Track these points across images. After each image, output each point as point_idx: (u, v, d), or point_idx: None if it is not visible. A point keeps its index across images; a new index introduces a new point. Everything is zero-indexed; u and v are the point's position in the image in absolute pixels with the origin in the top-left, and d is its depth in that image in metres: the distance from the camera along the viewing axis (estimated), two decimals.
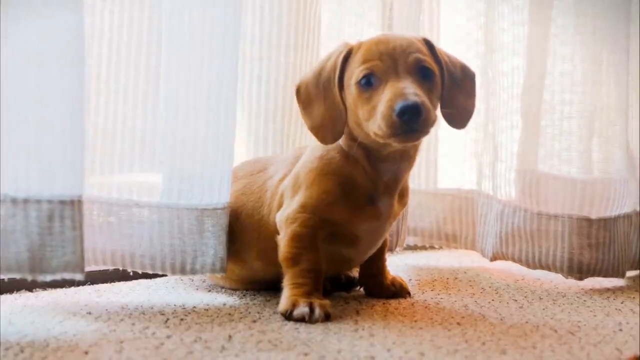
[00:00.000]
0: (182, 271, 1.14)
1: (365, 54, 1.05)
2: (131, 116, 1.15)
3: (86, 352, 0.86)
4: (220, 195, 1.14)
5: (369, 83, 1.04)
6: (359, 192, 1.10)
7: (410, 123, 0.98)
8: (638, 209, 1.48)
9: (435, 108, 1.05)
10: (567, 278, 1.40)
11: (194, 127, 1.13)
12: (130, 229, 1.13)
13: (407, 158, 1.11)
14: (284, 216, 1.10)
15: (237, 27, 1.14)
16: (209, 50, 1.12)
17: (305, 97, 1.11)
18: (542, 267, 1.40)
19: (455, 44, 1.60)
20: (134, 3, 1.15)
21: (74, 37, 0.98)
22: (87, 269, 1.24)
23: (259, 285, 1.23)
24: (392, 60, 1.03)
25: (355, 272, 1.29)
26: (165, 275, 1.28)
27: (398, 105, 0.98)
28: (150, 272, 1.15)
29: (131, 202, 1.13)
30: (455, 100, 1.10)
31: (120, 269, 1.15)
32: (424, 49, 1.08)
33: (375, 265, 1.23)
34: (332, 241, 1.11)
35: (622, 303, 1.23)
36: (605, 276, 1.39)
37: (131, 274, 1.20)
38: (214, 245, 1.14)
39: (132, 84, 1.15)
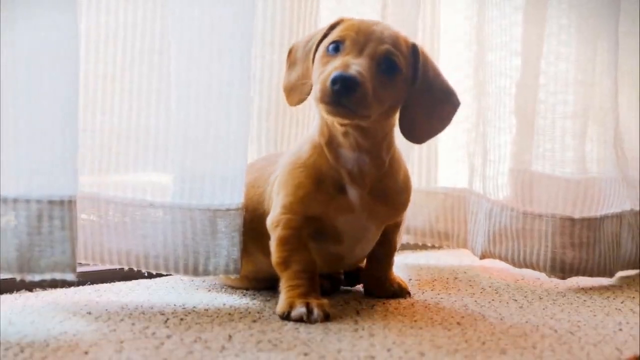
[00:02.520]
0: (195, 272, 1.14)
1: (346, 25, 1.07)
2: (145, 115, 1.15)
3: (86, 352, 0.86)
4: (233, 196, 1.14)
5: (336, 49, 1.05)
6: (327, 181, 1.09)
7: (340, 95, 0.98)
8: (636, 209, 1.49)
9: (382, 102, 1.03)
10: (550, 277, 1.40)
11: (205, 126, 1.13)
12: (145, 229, 1.13)
13: (365, 150, 1.09)
14: (270, 220, 1.11)
15: (249, 25, 1.14)
16: (220, 48, 1.12)
17: (293, 58, 1.14)
18: (527, 266, 1.41)
19: (454, 43, 1.60)
20: (147, 1, 1.15)
21: (67, 36, 0.98)
22: (89, 268, 1.25)
23: (264, 283, 1.23)
24: (364, 39, 1.04)
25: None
26: (168, 275, 1.28)
27: (334, 73, 0.98)
28: (164, 272, 1.15)
29: (145, 202, 1.13)
30: (421, 115, 1.10)
31: (135, 269, 1.15)
32: (404, 49, 1.07)
33: (378, 266, 1.22)
34: (318, 239, 1.11)
35: (622, 303, 1.24)
36: (590, 276, 1.39)
37: (145, 273, 1.19)
38: (226, 247, 1.14)
39: (145, 82, 1.16)
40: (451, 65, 1.59)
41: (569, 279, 1.41)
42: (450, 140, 1.62)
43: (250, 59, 1.15)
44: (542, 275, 1.45)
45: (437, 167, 1.62)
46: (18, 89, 0.96)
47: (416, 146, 1.55)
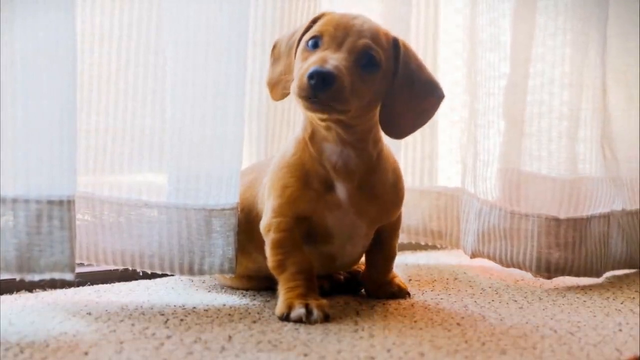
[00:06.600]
0: (191, 272, 1.15)
1: (326, 20, 1.07)
2: (140, 115, 1.15)
3: (86, 353, 0.86)
4: (228, 196, 1.14)
5: (315, 45, 1.05)
6: (313, 178, 1.09)
7: (316, 89, 0.98)
8: (627, 209, 1.49)
9: (361, 97, 1.03)
10: (535, 277, 1.41)
11: (201, 126, 1.13)
12: (140, 229, 1.14)
13: (350, 144, 1.08)
14: (263, 225, 1.11)
15: (245, 25, 1.15)
16: (216, 49, 1.12)
17: (277, 52, 1.14)
18: (513, 266, 1.41)
19: (452, 43, 1.59)
20: (143, 2, 1.15)
21: (65, 36, 0.98)
22: (89, 269, 1.25)
23: (265, 283, 1.22)
24: (343, 34, 1.04)
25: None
26: (166, 276, 1.28)
27: (311, 68, 0.98)
28: (160, 272, 1.16)
29: (141, 202, 1.14)
30: (403, 109, 1.09)
31: (130, 268, 1.16)
32: (384, 43, 1.07)
33: (377, 271, 1.22)
34: (309, 241, 1.12)
35: (622, 303, 1.23)
36: (577, 275, 1.40)
37: (141, 273, 1.20)
38: (222, 246, 1.14)
39: (140, 83, 1.16)
40: (450, 65, 1.59)
41: (569, 280, 1.41)
42: (450, 141, 1.62)
43: (246, 59, 1.15)
44: None
45: (436, 166, 1.62)
46: (17, 89, 0.96)
47: (410, 145, 1.56)
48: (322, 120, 1.06)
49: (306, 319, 1.02)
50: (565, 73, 1.43)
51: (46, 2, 0.96)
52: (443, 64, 1.59)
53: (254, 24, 1.35)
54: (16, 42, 0.95)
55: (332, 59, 1.00)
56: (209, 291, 1.24)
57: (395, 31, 1.20)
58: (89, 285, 1.25)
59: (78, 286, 1.22)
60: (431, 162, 1.60)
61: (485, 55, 1.46)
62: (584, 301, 1.25)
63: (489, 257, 1.45)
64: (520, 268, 1.41)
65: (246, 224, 1.17)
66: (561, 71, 1.43)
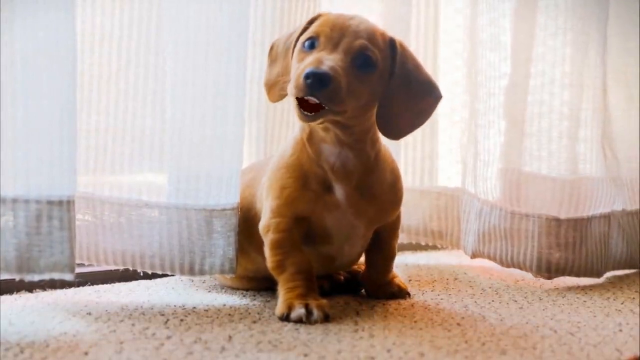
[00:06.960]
0: (191, 272, 1.15)
1: (322, 21, 1.06)
2: (140, 115, 1.16)
3: (86, 353, 0.86)
4: (229, 196, 1.14)
5: (311, 46, 1.05)
6: (311, 179, 1.09)
7: (312, 90, 0.98)
8: (627, 209, 1.49)
9: (357, 97, 1.03)
10: (536, 277, 1.41)
11: (201, 126, 1.13)
12: (140, 229, 1.14)
13: (348, 145, 1.08)
14: (262, 226, 1.11)
15: (245, 25, 1.15)
16: (216, 49, 1.12)
17: (274, 54, 1.14)
18: (514, 266, 1.42)
19: (453, 43, 1.60)
20: (143, 2, 1.15)
21: (65, 36, 0.98)
22: (89, 269, 1.25)
23: (264, 283, 1.22)
24: (339, 35, 1.04)
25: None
26: (167, 276, 1.28)
27: (308, 69, 0.98)
28: (160, 272, 1.16)
29: (141, 202, 1.14)
30: (400, 109, 1.08)
31: (130, 268, 1.16)
32: (381, 43, 1.06)
33: (377, 272, 1.22)
34: (308, 241, 1.12)
35: (622, 304, 1.23)
36: (577, 276, 1.40)
37: (141, 273, 1.20)
38: (222, 246, 1.14)
39: (141, 83, 1.16)
40: (450, 65, 1.59)
41: (570, 280, 1.41)
42: (450, 141, 1.62)
43: (246, 59, 1.15)
44: None
45: (436, 166, 1.61)
46: (17, 89, 0.96)
47: (411, 145, 1.56)
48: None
49: (306, 319, 1.02)
50: (565, 73, 1.43)
51: (46, 2, 0.97)
52: (443, 64, 1.59)
53: (254, 24, 1.35)
54: (16, 42, 0.95)
55: (328, 60, 1.00)
56: (209, 291, 1.24)
57: (395, 31, 1.20)
58: (89, 285, 1.25)
59: (78, 286, 1.22)
60: (431, 162, 1.60)
61: (485, 55, 1.46)
62: (584, 301, 1.25)
63: (489, 257, 1.45)
64: (520, 268, 1.41)
65: (244, 223, 1.17)
66: (561, 71, 1.43)
